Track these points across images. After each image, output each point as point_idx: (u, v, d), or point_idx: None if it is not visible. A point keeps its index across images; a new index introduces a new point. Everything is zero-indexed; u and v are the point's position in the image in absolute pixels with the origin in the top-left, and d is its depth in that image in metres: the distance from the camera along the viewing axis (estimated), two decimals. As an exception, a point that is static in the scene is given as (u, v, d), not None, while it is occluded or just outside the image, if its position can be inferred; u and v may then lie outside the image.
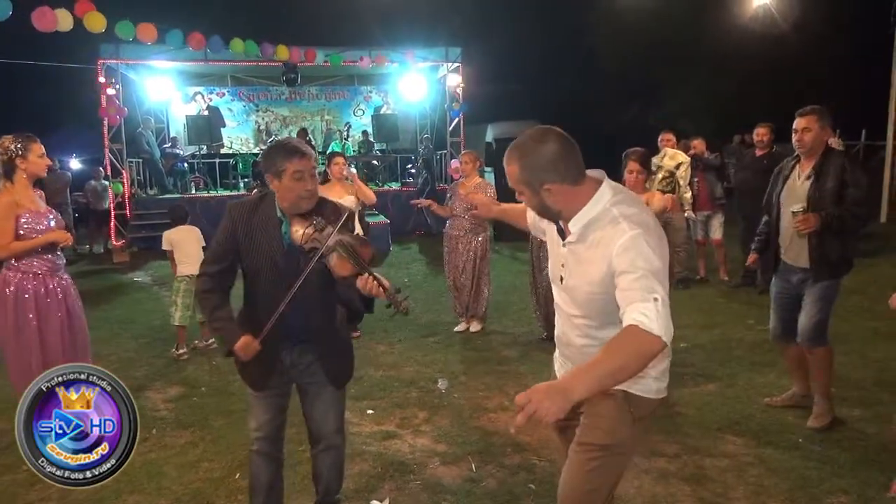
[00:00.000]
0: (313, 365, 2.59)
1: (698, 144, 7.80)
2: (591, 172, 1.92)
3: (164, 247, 5.60)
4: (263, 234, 2.46)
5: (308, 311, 2.48)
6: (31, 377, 3.42)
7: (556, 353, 2.25)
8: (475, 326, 6.00)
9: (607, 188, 1.87)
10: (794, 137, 3.71)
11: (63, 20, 8.91)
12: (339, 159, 5.81)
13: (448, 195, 6.12)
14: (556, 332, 2.17)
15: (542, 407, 1.51)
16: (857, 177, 3.59)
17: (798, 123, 3.68)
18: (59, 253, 3.76)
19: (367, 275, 2.28)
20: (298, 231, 2.36)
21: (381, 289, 2.28)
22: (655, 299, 1.67)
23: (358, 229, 5.87)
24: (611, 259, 1.78)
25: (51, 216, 3.70)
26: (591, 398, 1.94)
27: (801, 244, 3.70)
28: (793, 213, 3.62)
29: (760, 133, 7.03)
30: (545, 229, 2.16)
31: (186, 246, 5.48)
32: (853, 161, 3.78)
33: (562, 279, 2.00)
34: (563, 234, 1.96)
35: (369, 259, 2.35)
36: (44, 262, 3.65)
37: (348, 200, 5.59)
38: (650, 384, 1.99)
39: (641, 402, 1.99)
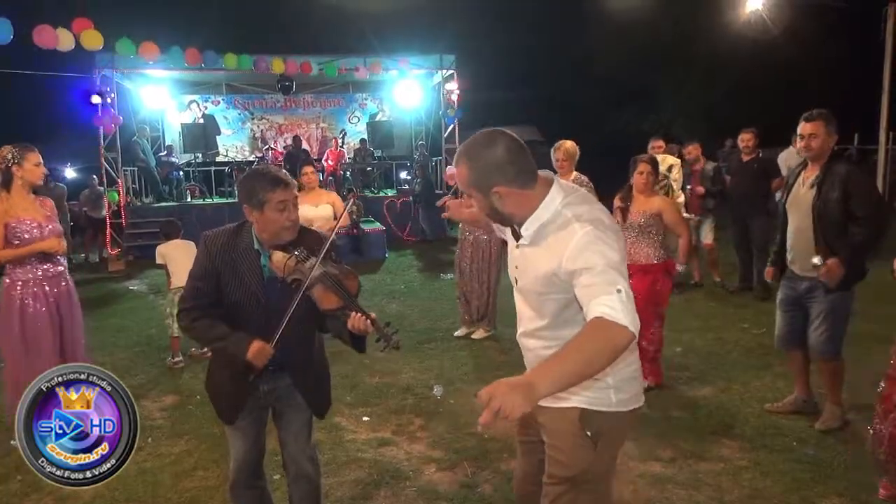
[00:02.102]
0: (291, 387, 2.49)
1: (693, 150, 7.81)
2: (540, 173, 1.87)
3: (158, 261, 5.61)
4: (243, 266, 2.33)
5: (286, 343, 2.34)
6: (18, 384, 3.48)
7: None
8: (479, 334, 5.93)
9: (558, 191, 1.83)
10: (801, 143, 3.61)
11: (64, 39, 9.01)
12: (309, 168, 5.83)
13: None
14: (517, 336, 2.13)
15: (507, 401, 1.43)
16: (861, 187, 3.48)
17: (804, 129, 3.57)
18: (57, 259, 3.84)
19: (354, 311, 2.18)
20: (280, 263, 2.25)
21: (368, 323, 2.19)
22: (619, 291, 1.61)
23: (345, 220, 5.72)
24: (562, 260, 1.72)
25: (45, 223, 3.75)
26: (547, 420, 1.94)
27: (809, 254, 3.60)
28: (814, 265, 3.54)
29: (745, 138, 7.10)
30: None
31: (179, 260, 5.47)
32: (857, 168, 3.65)
33: (516, 281, 1.97)
34: (516, 234, 1.92)
35: (356, 292, 2.27)
36: (38, 270, 3.73)
37: (324, 209, 5.57)
38: (609, 396, 1.88)
39: (600, 419, 1.87)
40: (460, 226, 6.01)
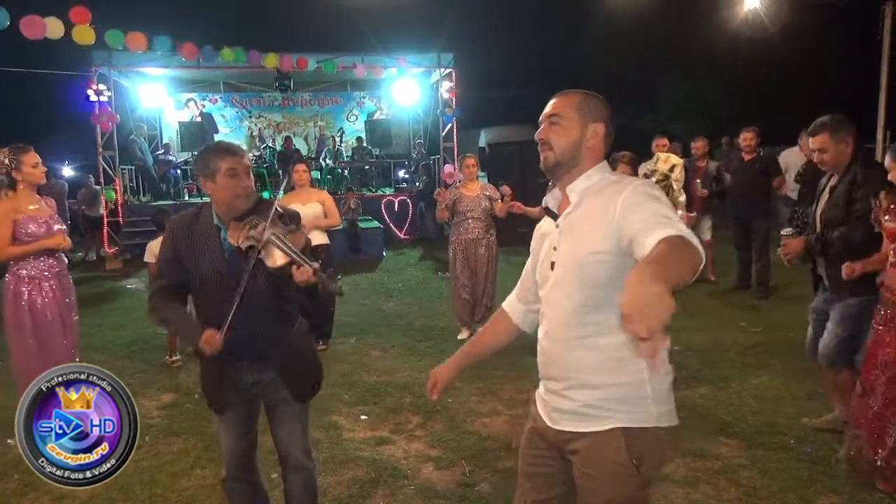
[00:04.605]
0: (277, 380, 2.45)
1: (700, 146, 7.77)
2: None
3: (147, 258, 5.35)
4: (204, 243, 2.38)
5: (257, 320, 2.35)
6: (32, 378, 3.52)
7: (538, 391, 1.95)
8: None
9: (607, 166, 1.90)
10: (815, 157, 3.61)
11: (52, 28, 8.93)
12: (301, 166, 5.83)
13: (449, 199, 5.93)
14: (538, 346, 1.90)
15: (654, 315, 1.19)
16: (866, 193, 3.36)
17: (812, 144, 3.55)
18: (59, 255, 3.92)
19: (299, 265, 2.18)
20: (235, 233, 2.28)
21: (311, 272, 2.17)
22: (680, 226, 1.53)
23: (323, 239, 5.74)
24: (616, 208, 1.66)
25: (51, 221, 3.84)
26: (585, 446, 1.73)
27: (822, 262, 3.55)
28: (783, 235, 3.57)
29: (747, 138, 7.09)
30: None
31: None
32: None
33: (553, 266, 1.81)
34: (553, 215, 1.88)
35: (302, 247, 2.28)
36: (42, 267, 3.80)
37: (313, 207, 5.54)
38: (650, 409, 1.70)
39: (644, 438, 1.69)
40: (461, 228, 5.90)
